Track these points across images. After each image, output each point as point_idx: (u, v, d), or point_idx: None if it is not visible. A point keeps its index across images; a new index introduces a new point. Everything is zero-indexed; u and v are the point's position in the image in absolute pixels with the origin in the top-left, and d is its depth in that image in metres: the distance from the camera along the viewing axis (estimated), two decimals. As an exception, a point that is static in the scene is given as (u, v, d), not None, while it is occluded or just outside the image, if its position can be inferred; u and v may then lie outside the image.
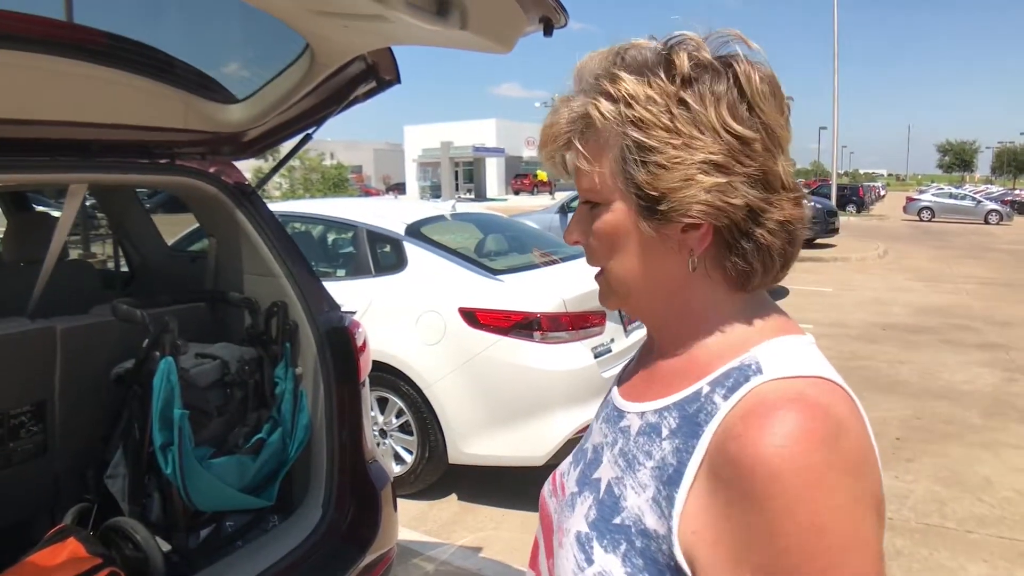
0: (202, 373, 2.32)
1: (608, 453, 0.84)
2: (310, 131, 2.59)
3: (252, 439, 2.40)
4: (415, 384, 4.12)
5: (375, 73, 2.39)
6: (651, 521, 0.73)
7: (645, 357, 0.91)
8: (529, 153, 59.62)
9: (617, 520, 0.76)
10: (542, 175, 54.35)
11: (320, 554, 2.41)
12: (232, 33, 2.49)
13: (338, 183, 28.78)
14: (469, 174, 55.35)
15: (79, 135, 2.24)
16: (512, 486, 4.32)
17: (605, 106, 0.75)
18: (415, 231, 4.49)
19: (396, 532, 2.72)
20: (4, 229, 3.34)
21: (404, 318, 4.14)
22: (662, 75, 0.73)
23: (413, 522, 4.01)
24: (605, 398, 0.95)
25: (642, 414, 0.81)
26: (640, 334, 4.69)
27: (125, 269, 3.86)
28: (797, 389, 0.69)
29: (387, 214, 4.70)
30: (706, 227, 0.74)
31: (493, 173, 57.13)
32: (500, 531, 3.95)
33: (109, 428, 2.45)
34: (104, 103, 2.18)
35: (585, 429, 3.41)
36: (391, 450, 4.34)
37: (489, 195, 53.18)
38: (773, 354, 0.73)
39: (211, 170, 2.56)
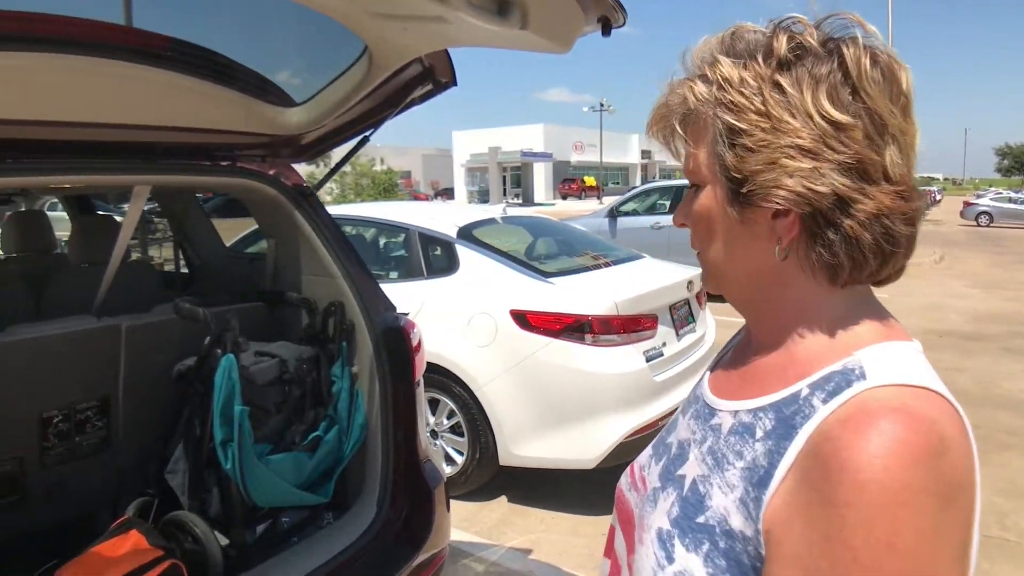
0: (261, 371, 2.36)
1: (695, 450, 0.82)
2: (367, 134, 2.62)
3: (309, 437, 2.43)
4: (466, 385, 4.13)
5: (431, 75, 2.41)
6: (737, 522, 0.71)
7: (741, 352, 0.88)
8: (577, 157, 59.53)
9: (701, 519, 0.75)
10: (590, 180, 54.14)
11: (374, 552, 2.43)
12: (291, 37, 2.53)
13: (388, 188, 29.14)
14: (517, 179, 55.46)
15: (143, 138, 2.30)
16: (562, 489, 4.30)
17: (700, 89, 0.75)
18: (467, 234, 4.51)
19: (448, 532, 2.73)
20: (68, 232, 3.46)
21: (456, 320, 4.16)
22: (760, 59, 0.72)
23: (463, 523, 4.02)
24: (693, 392, 0.93)
25: (735, 413, 0.79)
26: (693, 338, 4.63)
27: (183, 271, 3.96)
28: (901, 399, 0.65)
29: (439, 217, 4.73)
30: (793, 215, 0.72)
31: (541, 178, 57.17)
32: (550, 534, 3.93)
33: (170, 424, 2.50)
34: (167, 106, 2.23)
35: (638, 432, 3.36)
36: (442, 451, 4.36)
37: (536, 200, 53.21)
38: (878, 360, 0.70)
39: (271, 172, 2.60)
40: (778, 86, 0.71)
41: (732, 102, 0.72)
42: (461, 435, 4.24)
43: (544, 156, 55.47)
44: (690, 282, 4.64)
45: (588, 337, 3.92)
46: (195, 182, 2.65)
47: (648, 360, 4.09)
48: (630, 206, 12.14)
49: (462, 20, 1.65)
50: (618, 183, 62.67)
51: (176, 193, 3.57)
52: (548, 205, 44.72)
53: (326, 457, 2.43)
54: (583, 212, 16.51)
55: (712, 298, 4.92)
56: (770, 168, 0.71)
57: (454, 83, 2.49)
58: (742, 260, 0.78)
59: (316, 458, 2.39)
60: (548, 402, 3.98)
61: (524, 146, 53.83)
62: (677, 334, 4.47)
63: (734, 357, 0.90)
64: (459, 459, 4.28)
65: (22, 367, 2.23)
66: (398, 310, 2.76)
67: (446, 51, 2.35)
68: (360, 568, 2.36)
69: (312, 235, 2.59)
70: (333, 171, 2.64)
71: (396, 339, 2.54)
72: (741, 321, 0.90)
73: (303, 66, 2.62)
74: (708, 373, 0.93)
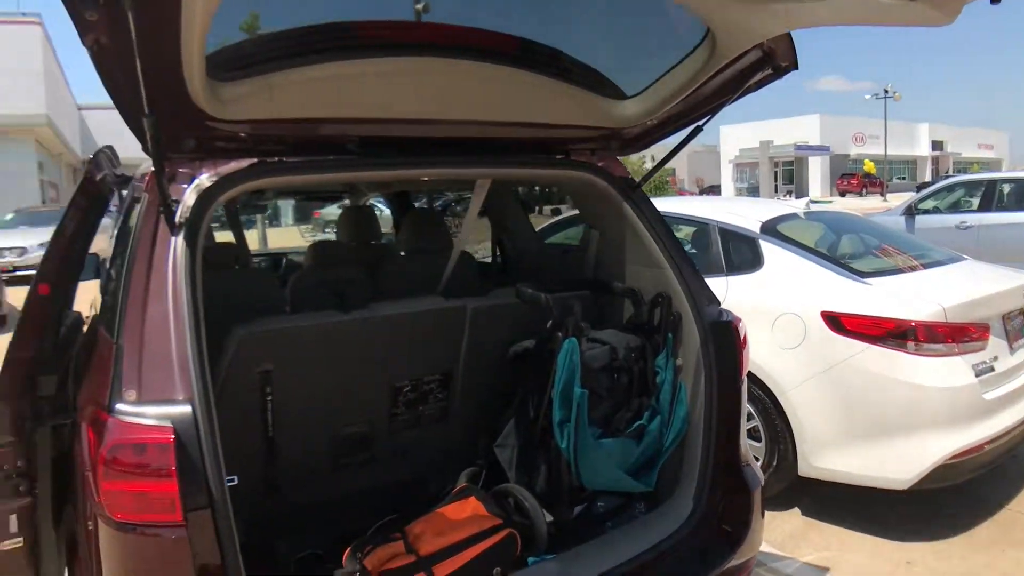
0: (595, 356, 2.42)
1: None
2: (700, 123, 2.58)
3: (633, 424, 2.45)
4: (767, 389, 3.94)
5: (771, 59, 2.31)
6: None
7: None
8: (857, 150, 54.93)
9: None
10: (869, 166, 49.52)
11: (689, 548, 2.39)
12: (624, 28, 2.54)
13: (658, 186, 29.01)
14: (789, 174, 52.52)
15: (487, 134, 2.45)
16: (862, 507, 3.97)
17: None
18: (771, 229, 4.31)
19: (760, 541, 2.62)
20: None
21: (759, 319, 3.99)
22: None
23: (756, 531, 3.86)
24: None
25: None
26: (1033, 354, 4.06)
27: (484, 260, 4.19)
28: None
29: (740, 211, 4.57)
30: None
31: (816, 173, 53.60)
32: (847, 553, 3.65)
33: (502, 401, 2.66)
34: (512, 103, 2.34)
35: (961, 455, 2.97)
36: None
37: (811, 197, 49.96)
38: None
39: (599, 164, 2.66)
40: None
41: None
42: (757, 440, 4.06)
43: (820, 149, 51.96)
44: (1027, 289, 4.09)
45: (911, 345, 3.57)
46: (531, 175, 2.78)
47: (977, 375, 3.66)
48: (930, 203, 10.93)
49: None
50: (904, 178, 57.01)
51: (498, 186, 3.79)
52: (824, 203, 41.75)
53: (648, 447, 2.44)
54: (875, 209, 15.16)
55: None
56: None
57: (795, 67, 2.36)
58: None
59: (641, 446, 2.40)
60: (860, 413, 3.69)
61: (797, 139, 50.81)
62: (1011, 347, 3.96)
63: None
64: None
65: (381, 340, 2.48)
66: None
67: (789, 33, 2.24)
68: (674, 563, 2.35)
69: (640, 226, 2.60)
70: (662, 163, 2.64)
71: (724, 333, 2.48)
72: None
73: (636, 57, 2.63)
74: None
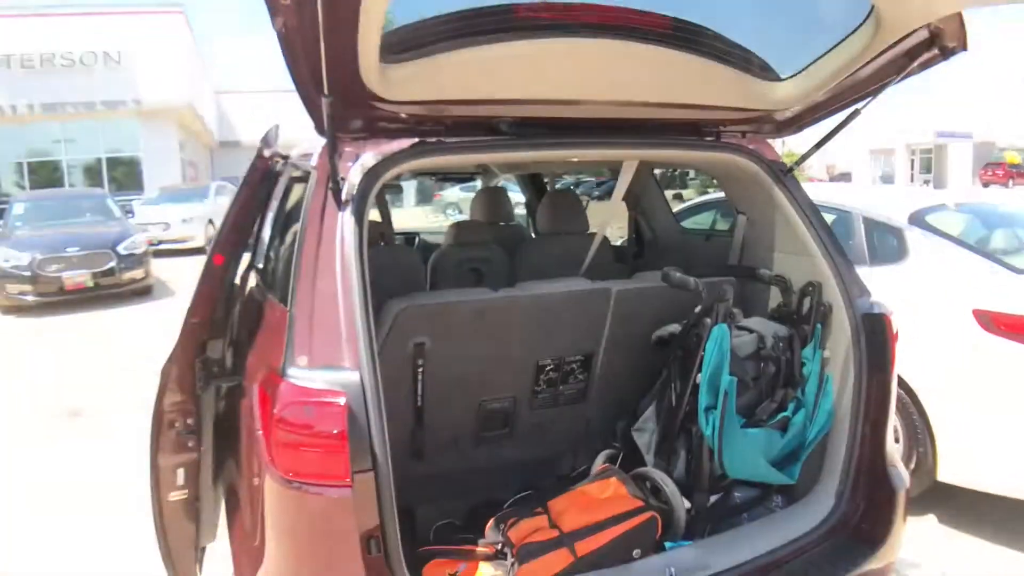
0: (742, 344, 2.39)
1: None
2: (859, 106, 2.48)
3: (777, 416, 2.40)
4: (908, 387, 3.76)
5: (939, 40, 2.19)
6: None
7: None
8: (1005, 139, 50.95)
9: None
10: (1011, 158, 45.84)
11: (827, 545, 2.33)
12: (779, 7, 2.47)
13: (788, 172, 27.98)
14: (927, 163, 49.35)
15: (636, 115, 2.43)
16: (1004, 519, 3.75)
17: None
18: (920, 220, 4.09)
19: (901, 544, 2.51)
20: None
21: (903, 314, 3.80)
22: None
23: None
24: None
25: None
26: None
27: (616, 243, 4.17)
28: None
29: (886, 200, 4.38)
30: None
31: (959, 162, 50.05)
32: (985, 567, 3.48)
33: (642, 385, 2.65)
34: (665, 84, 2.32)
35: None
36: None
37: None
38: None
39: (750, 147, 2.60)
40: None
41: None
42: (895, 440, 3.89)
43: (963, 136, 48.55)
44: None
45: (1074, 350, 3.33)
46: (680, 157, 2.75)
47: None
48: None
49: None
50: None
51: (638, 168, 3.77)
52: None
53: (792, 439, 2.39)
54: None
55: None
56: None
57: (964, 48, 2.23)
58: None
59: (785, 438, 2.36)
60: (1010, 420, 3.47)
61: (939, 126, 47.59)
62: None
63: None
64: (890, 465, 3.94)
65: (527, 319, 2.53)
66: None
67: (960, 13, 2.12)
68: (811, 560, 2.29)
69: (791, 212, 2.53)
70: (817, 147, 2.55)
71: (877, 326, 2.39)
72: None
73: (793, 37, 2.55)
74: None
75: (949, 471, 3.69)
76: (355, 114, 2.02)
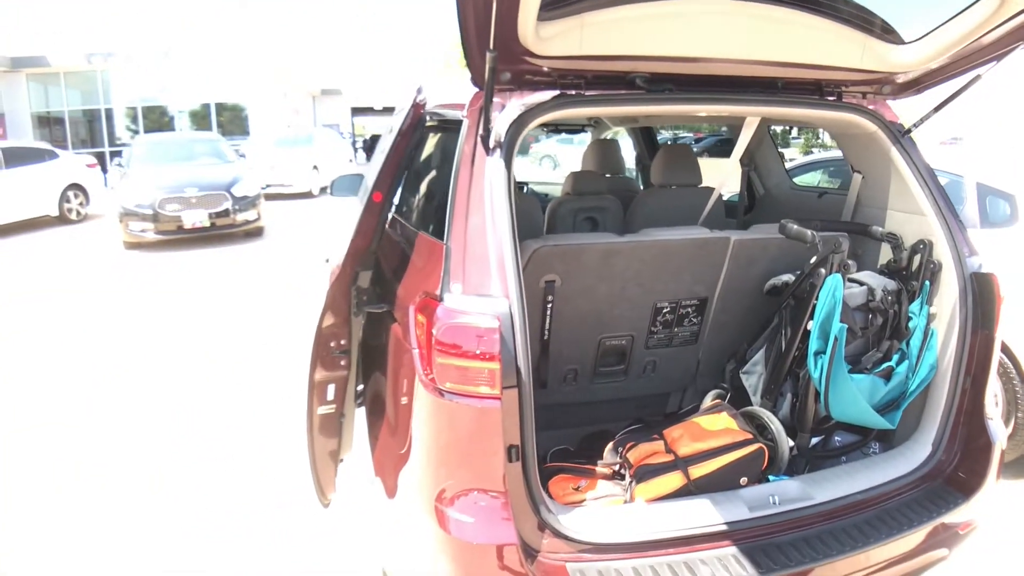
0: (853, 295, 2.52)
1: None
2: (981, 71, 2.52)
3: (881, 365, 2.53)
4: (1011, 353, 3.78)
5: None
6: None
7: None
8: None
9: None
10: None
11: (922, 490, 2.46)
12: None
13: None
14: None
15: (760, 73, 2.54)
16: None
17: None
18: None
19: (992, 500, 2.57)
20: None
21: (1011, 281, 3.81)
22: None
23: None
24: None
25: None
26: None
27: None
28: None
29: (994, 166, 4.33)
30: None
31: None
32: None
33: (752, 331, 2.81)
34: (792, 43, 2.41)
35: None
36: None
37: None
38: None
39: (871, 108, 2.68)
40: None
41: None
42: (995, 404, 3.92)
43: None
44: None
45: None
46: (802, 115, 2.84)
47: None
48: None
49: None
50: None
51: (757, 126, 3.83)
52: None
53: (894, 388, 2.51)
54: None
55: None
56: None
57: None
58: None
59: (888, 386, 2.48)
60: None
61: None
62: None
63: None
64: (989, 428, 3.97)
65: (649, 263, 2.71)
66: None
67: None
68: (907, 501, 2.41)
69: (907, 172, 2.61)
70: (937, 108, 2.61)
71: (984, 286, 2.48)
72: None
73: (918, 1, 2.60)
74: None
75: (1050, 438, 3.70)
76: (508, 68, 2.20)
